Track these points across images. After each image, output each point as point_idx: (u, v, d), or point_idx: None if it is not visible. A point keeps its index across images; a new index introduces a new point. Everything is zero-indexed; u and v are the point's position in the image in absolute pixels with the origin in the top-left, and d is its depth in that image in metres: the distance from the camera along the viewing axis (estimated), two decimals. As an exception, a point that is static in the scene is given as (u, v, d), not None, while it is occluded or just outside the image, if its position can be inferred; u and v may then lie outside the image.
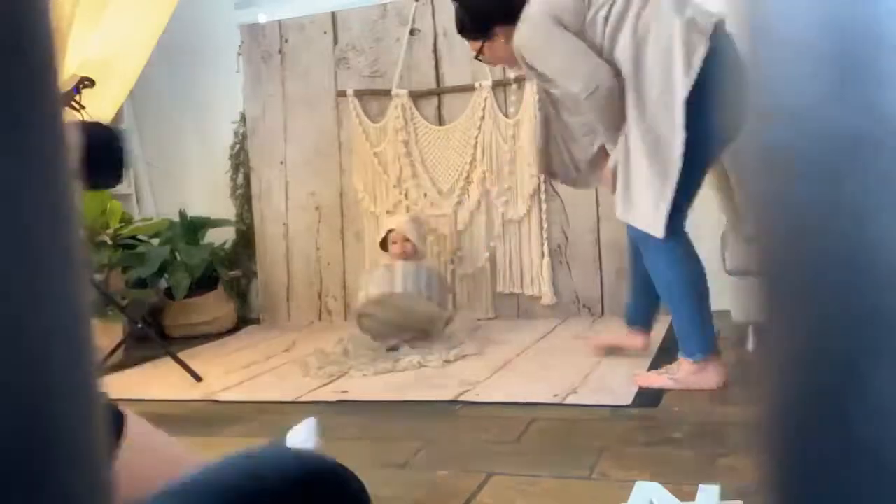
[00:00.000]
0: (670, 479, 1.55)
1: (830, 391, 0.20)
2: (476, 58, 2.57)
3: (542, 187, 3.71)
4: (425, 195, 3.86)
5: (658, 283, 2.34)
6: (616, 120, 2.25)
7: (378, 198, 3.95)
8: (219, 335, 3.93)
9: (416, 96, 3.90)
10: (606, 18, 2.25)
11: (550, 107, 2.56)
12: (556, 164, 2.60)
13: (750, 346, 2.76)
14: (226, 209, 4.30)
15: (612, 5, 2.25)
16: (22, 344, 0.20)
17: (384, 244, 3.40)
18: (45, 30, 0.21)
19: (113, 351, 3.18)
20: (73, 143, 0.22)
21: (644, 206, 2.21)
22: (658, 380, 2.35)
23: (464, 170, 3.81)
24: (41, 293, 0.21)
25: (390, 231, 3.36)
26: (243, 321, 4.22)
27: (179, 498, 0.64)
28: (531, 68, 2.36)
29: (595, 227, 3.73)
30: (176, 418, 2.45)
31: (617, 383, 2.43)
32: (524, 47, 2.33)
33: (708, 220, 3.38)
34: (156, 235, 4.03)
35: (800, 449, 0.21)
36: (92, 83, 2.92)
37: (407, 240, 3.30)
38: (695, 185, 2.24)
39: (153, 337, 3.12)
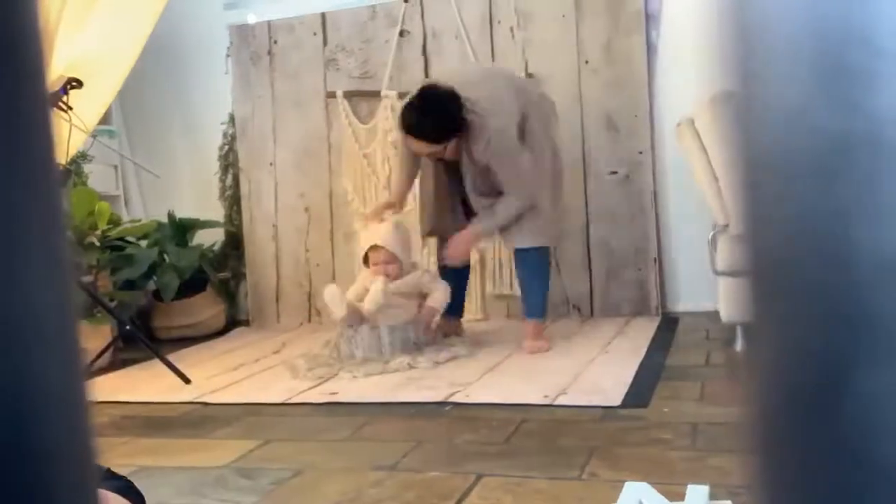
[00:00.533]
0: (660, 479, 1.56)
1: (819, 391, 0.20)
2: (438, 155, 3.00)
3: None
4: (415, 196, 3.85)
5: (537, 273, 3.20)
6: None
7: (367, 199, 3.95)
8: (208, 337, 3.92)
9: (406, 98, 3.89)
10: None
11: (445, 174, 3.19)
12: (439, 225, 3.26)
13: (739, 346, 2.78)
14: (215, 211, 4.29)
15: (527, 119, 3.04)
16: (7, 347, 0.20)
17: (366, 259, 3.13)
18: (33, 30, 0.21)
19: (101, 353, 3.17)
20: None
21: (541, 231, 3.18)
22: (538, 344, 3.09)
23: (453, 170, 3.82)
24: (27, 295, 0.21)
25: (373, 248, 3.06)
26: (232, 323, 4.21)
27: None
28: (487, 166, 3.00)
29: (584, 228, 3.74)
30: (165, 421, 2.44)
31: (607, 384, 2.44)
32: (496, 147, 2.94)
33: (697, 221, 3.39)
34: (144, 237, 4.01)
35: (789, 449, 0.21)
36: (80, 84, 2.90)
37: (390, 261, 3.03)
38: None
39: (142, 339, 3.10)
